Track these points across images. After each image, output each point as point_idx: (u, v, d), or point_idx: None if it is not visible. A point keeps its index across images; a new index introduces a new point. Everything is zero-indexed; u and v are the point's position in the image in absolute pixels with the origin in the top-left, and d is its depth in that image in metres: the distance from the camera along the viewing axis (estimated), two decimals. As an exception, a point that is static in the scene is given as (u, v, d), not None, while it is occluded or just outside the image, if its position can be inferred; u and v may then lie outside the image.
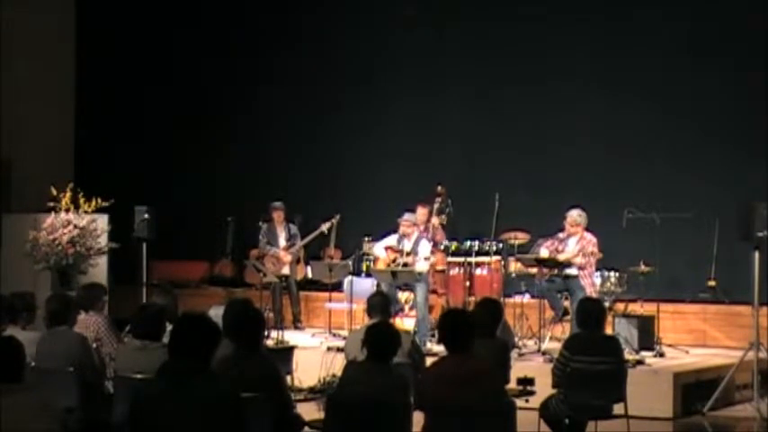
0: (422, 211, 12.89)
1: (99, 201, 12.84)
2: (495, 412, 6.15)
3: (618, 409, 8.20)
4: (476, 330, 6.48)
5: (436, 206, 13.08)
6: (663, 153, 13.61)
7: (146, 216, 13.32)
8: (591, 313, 8.34)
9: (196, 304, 13.01)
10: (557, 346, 9.88)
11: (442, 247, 13.14)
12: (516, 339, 11.83)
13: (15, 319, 8.11)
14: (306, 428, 6.89)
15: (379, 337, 6.51)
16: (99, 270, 13.04)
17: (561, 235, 12.10)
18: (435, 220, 13.04)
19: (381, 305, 8.53)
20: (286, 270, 13.82)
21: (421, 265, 12.22)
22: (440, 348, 10.83)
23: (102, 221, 13.09)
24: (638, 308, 12.20)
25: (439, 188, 13.10)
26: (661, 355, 11.71)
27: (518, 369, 8.74)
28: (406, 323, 12.12)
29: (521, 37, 14.50)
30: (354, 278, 13.19)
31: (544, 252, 12.09)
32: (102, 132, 16.17)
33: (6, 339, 5.27)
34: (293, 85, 15.73)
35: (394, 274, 12.07)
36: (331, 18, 15.68)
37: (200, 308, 11.35)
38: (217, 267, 15.53)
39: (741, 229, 10.90)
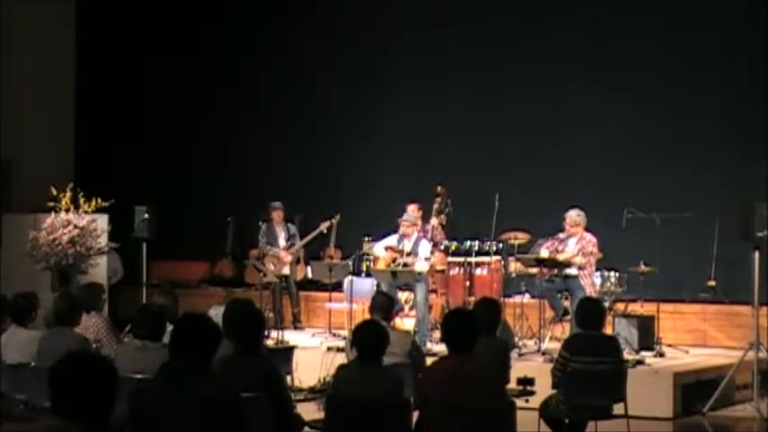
0: (412, 208, 12.85)
1: (99, 201, 12.82)
2: (495, 412, 6.15)
3: (618, 409, 8.20)
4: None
5: (435, 206, 13.06)
6: (663, 153, 13.61)
7: (146, 216, 13.32)
8: (590, 313, 8.34)
9: (196, 304, 13.02)
10: (557, 346, 9.87)
11: (442, 247, 13.12)
12: (516, 339, 11.83)
13: (19, 319, 8.12)
14: (306, 428, 6.89)
15: (366, 337, 6.55)
16: (99, 270, 13.04)
17: (561, 235, 12.09)
18: (435, 221, 13.03)
19: (384, 306, 8.61)
20: (286, 270, 13.81)
21: (421, 265, 12.21)
22: (440, 348, 10.87)
23: (102, 221, 13.08)
24: (638, 308, 12.20)
25: (439, 188, 13.10)
26: (661, 355, 11.71)
27: (518, 369, 8.74)
28: (406, 323, 12.13)
29: (521, 37, 14.50)
30: (354, 278, 13.18)
31: (544, 252, 12.08)
32: (102, 132, 16.17)
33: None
34: (293, 85, 15.72)
35: (394, 274, 12.07)
36: (331, 18, 15.67)
37: (200, 308, 11.36)
38: (217, 267, 15.52)
39: (741, 229, 10.89)
